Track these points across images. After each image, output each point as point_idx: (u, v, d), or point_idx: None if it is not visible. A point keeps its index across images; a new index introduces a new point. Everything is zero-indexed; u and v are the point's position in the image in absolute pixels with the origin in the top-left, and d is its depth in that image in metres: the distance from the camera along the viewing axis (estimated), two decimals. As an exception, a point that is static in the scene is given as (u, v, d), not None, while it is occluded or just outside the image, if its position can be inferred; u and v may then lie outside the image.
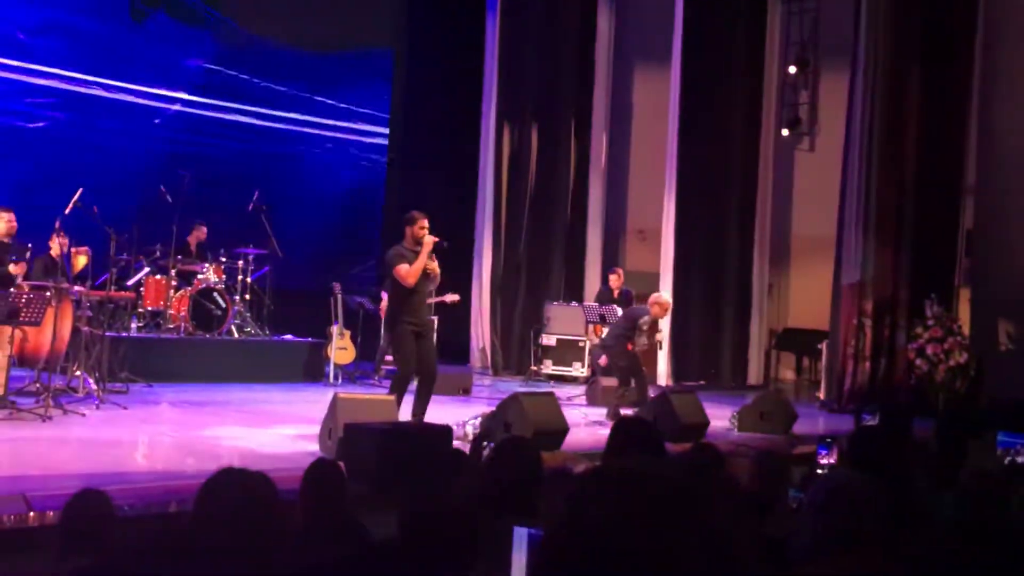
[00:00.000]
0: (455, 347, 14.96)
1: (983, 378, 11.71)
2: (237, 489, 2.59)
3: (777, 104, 15.73)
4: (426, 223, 8.07)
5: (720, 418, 9.96)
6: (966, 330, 11.97)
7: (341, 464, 4.31)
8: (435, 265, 8.08)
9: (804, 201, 16.05)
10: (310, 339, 12.55)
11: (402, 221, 8.23)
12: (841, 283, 12.75)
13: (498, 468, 3.35)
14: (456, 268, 15.28)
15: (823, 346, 13.31)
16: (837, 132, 13.69)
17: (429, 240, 7.99)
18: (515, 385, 12.94)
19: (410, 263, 7.96)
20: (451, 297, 12.85)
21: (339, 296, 12.38)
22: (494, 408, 8.33)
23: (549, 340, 14.11)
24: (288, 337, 12.60)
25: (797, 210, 16.25)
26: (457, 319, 14.78)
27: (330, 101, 15.65)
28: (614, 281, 13.12)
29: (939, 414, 6.16)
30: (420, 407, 8.03)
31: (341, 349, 12.20)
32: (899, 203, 12.47)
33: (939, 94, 12.44)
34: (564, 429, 8.10)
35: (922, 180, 12.38)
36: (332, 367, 11.95)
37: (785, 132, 15.96)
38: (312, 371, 12.22)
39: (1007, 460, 5.06)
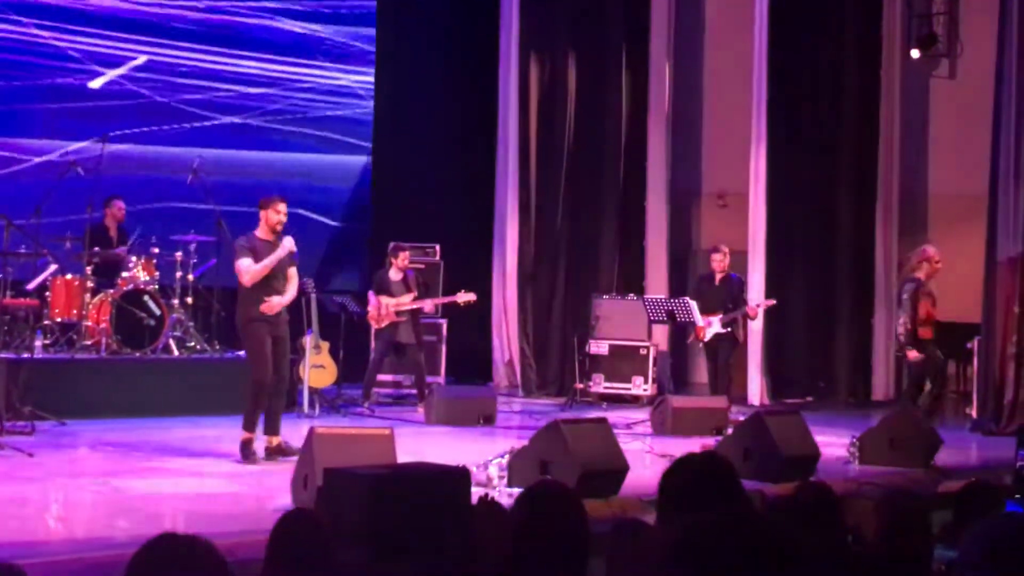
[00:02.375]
0: (472, 362, 14.98)
1: None
2: (181, 562, 2.61)
3: (904, 16, 15.63)
4: (283, 207, 9.27)
5: (835, 447, 9.93)
6: None
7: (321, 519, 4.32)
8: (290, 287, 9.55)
9: (944, 149, 15.93)
10: (276, 355, 12.60)
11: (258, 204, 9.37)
12: (997, 258, 12.67)
13: (528, 526, 3.35)
14: (470, 254, 15.39)
15: (974, 345, 13.22)
16: (987, 52, 13.57)
17: (288, 244, 9.18)
18: (554, 410, 12.94)
19: (256, 258, 9.11)
20: (464, 297, 12.89)
21: (313, 296, 12.43)
22: (526, 442, 8.33)
23: (599, 348, 14.10)
24: (246, 353, 12.64)
25: (935, 161, 16.12)
26: (474, 324, 14.81)
27: (296, 27, 15.69)
28: (718, 262, 12.91)
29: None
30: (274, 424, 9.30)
31: (318, 368, 12.25)
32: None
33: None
34: (623, 468, 8.10)
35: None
36: (307, 392, 12.00)
37: (916, 54, 15.85)
38: (280, 398, 12.27)
39: None
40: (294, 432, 9.28)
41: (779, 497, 5.88)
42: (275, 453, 9.20)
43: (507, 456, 8.22)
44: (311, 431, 7.45)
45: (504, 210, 15.41)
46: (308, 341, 12.13)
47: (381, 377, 13.34)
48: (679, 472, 3.87)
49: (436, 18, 15.90)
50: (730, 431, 10.23)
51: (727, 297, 12.66)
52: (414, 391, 13.09)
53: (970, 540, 2.67)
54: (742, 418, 10.25)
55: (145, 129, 14.91)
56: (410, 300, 12.80)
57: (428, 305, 12.94)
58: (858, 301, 15.11)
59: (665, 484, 3.82)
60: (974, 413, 12.91)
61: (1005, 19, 12.79)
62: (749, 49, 14.77)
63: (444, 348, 14.19)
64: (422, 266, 13.89)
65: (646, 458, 9.81)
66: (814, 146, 15.00)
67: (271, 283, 9.27)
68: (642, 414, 12.25)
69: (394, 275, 13.00)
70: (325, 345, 12.41)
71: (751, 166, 14.65)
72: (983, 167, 13.11)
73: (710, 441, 10.21)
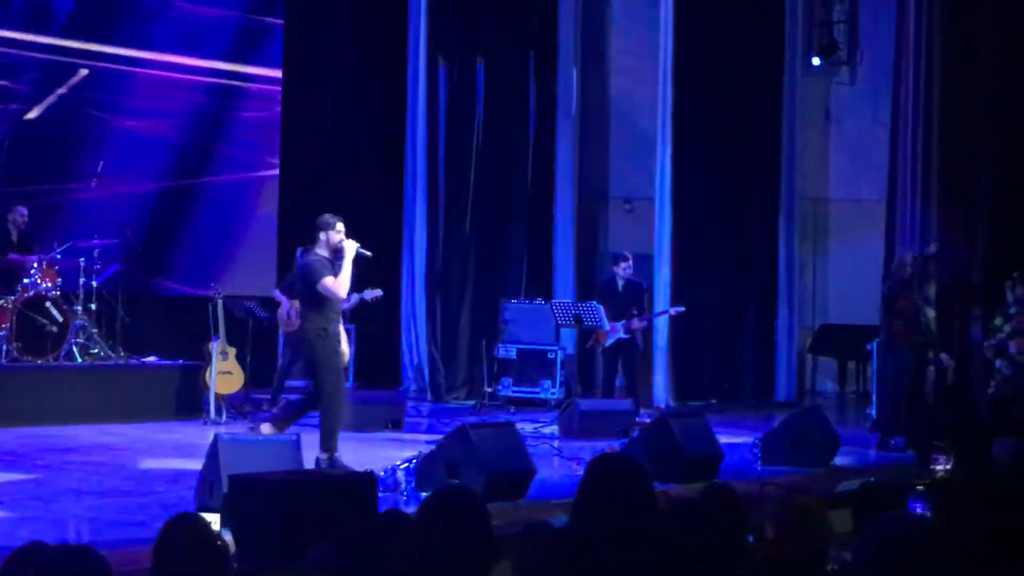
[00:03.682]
0: (380, 365, 14.91)
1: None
2: (54, 572, 2.55)
3: (805, 24, 15.85)
4: (342, 227, 9.10)
5: (738, 448, 10.00)
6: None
7: (215, 521, 4.28)
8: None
9: (844, 154, 16.19)
10: (182, 362, 12.45)
11: (313, 227, 9.20)
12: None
13: (431, 531, 3.33)
14: (379, 259, 15.21)
15: (873, 346, 13.43)
16: (886, 60, 13.81)
17: (351, 246, 8.95)
18: (463, 414, 12.92)
19: (334, 274, 8.95)
20: (372, 293, 12.80)
21: (220, 301, 12.29)
22: (434, 446, 8.30)
23: (507, 352, 14.11)
24: (152, 360, 12.48)
25: (835, 166, 16.39)
26: (382, 327, 14.74)
27: (204, 27, 15.51)
28: (623, 270, 12.87)
29: (1020, 436, 6.27)
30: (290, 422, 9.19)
31: (225, 374, 12.11)
32: (970, 154, 12.59)
33: (1020, 3, 12.57)
34: (530, 471, 8.10)
35: (999, 121, 12.51)
36: (213, 398, 11.87)
37: (817, 61, 16.09)
38: (186, 405, 12.14)
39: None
40: (200, 439, 9.17)
41: (683, 498, 5.92)
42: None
43: (415, 460, 8.18)
44: (216, 437, 7.35)
45: (412, 214, 15.36)
46: (214, 347, 12.00)
47: (290, 383, 13.20)
48: (594, 473, 3.89)
49: (344, 22, 15.80)
50: (636, 433, 10.30)
51: (631, 303, 12.73)
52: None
53: (863, 540, 2.70)
54: (648, 420, 10.31)
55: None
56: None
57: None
58: (761, 304, 15.28)
59: (582, 486, 3.85)
60: (874, 413, 13.10)
61: (903, 28, 13.01)
62: (655, 55, 14.88)
63: (352, 353, 14.08)
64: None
65: (553, 461, 9.82)
66: (719, 151, 15.14)
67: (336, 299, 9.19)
68: (550, 417, 12.27)
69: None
70: (232, 351, 12.27)
71: (657, 171, 14.76)
72: (882, 173, 13.33)
73: (616, 444, 10.26)
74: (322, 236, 9.08)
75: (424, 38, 15.28)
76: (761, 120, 15.24)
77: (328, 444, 8.91)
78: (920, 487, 4.99)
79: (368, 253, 9.24)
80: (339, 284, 8.92)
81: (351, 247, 9.00)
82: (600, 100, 16.35)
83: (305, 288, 9.18)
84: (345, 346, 9.45)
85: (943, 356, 11.58)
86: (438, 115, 15.40)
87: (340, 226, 9.12)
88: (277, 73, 15.70)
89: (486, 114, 15.48)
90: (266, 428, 9.23)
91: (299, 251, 13.24)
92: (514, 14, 15.54)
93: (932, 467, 6.99)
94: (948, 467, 6.75)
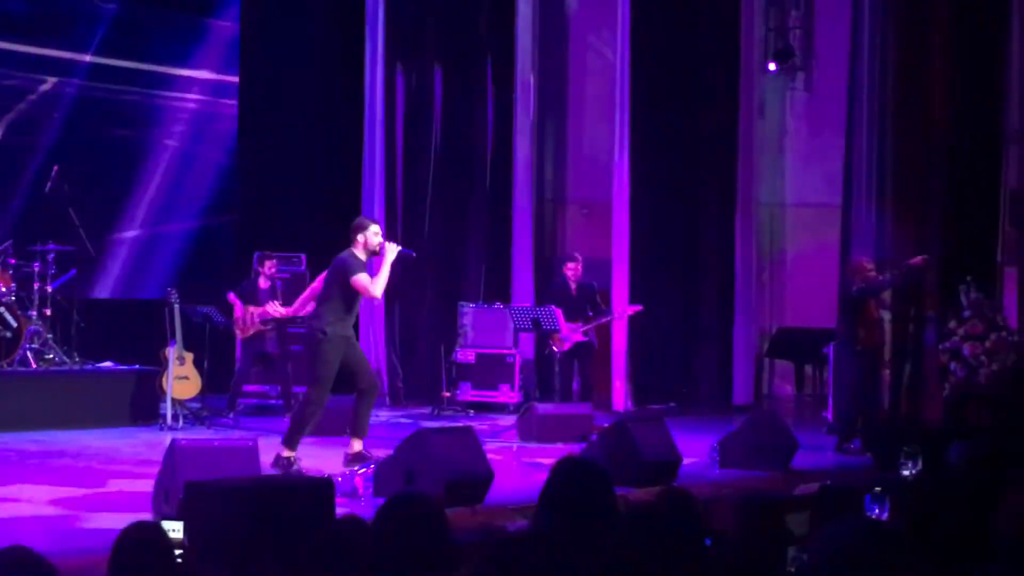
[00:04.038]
0: (340, 372, 14.78)
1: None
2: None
3: (761, 30, 15.92)
4: (377, 228, 9.36)
5: (697, 452, 10.02)
6: (1013, 322, 12.24)
7: (174, 529, 4.24)
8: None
9: (801, 159, 16.27)
10: (138, 367, 12.36)
11: (350, 229, 9.35)
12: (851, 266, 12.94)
13: (388, 537, 3.31)
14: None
15: (830, 350, 13.50)
16: (841, 66, 13.89)
17: (393, 248, 9.18)
18: (422, 419, 12.90)
19: (368, 274, 9.14)
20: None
21: (176, 306, 12.21)
22: (392, 452, 8.27)
23: (466, 356, 14.09)
24: (107, 365, 12.39)
25: (792, 171, 16.46)
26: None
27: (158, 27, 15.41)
28: (572, 270, 13.08)
29: (975, 439, 6.31)
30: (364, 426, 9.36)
31: (182, 379, 12.04)
32: (923, 158, 12.70)
33: (972, 12, 12.69)
34: (489, 476, 8.08)
35: (952, 127, 12.63)
36: (170, 404, 11.80)
37: (772, 67, 16.16)
38: (142, 411, 12.05)
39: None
40: (157, 445, 9.10)
41: (641, 502, 5.92)
42: (355, 460, 9.05)
43: (373, 466, 8.15)
44: (172, 443, 7.31)
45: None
46: (171, 352, 11.93)
47: (247, 388, 13.15)
48: (559, 478, 3.89)
49: (301, 29, 15.73)
50: (594, 437, 10.30)
51: (586, 305, 12.79)
52: (280, 402, 12.94)
53: (818, 544, 2.71)
54: (606, 425, 10.32)
55: None
56: (273, 308, 12.64)
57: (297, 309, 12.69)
58: (719, 308, 15.31)
59: (544, 491, 3.84)
60: (831, 416, 13.16)
61: (857, 34, 13.11)
62: (612, 60, 14.91)
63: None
64: (288, 275, 13.72)
65: (512, 465, 9.81)
66: (676, 156, 15.17)
67: (354, 300, 9.27)
68: (509, 422, 12.26)
69: (262, 283, 12.86)
70: (189, 356, 12.19)
71: (614, 175, 14.78)
72: (838, 177, 13.42)
73: (575, 448, 10.27)
74: (359, 238, 9.19)
75: (382, 44, 15.23)
76: (718, 125, 15.28)
77: (291, 441, 9.03)
78: (878, 489, 5.00)
79: (412, 253, 9.57)
80: (375, 284, 9.11)
81: (392, 250, 9.16)
82: (558, 105, 16.37)
83: (330, 282, 9.24)
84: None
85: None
86: (396, 121, 15.37)
87: (376, 228, 9.32)
88: (234, 78, 15.62)
89: (444, 120, 15.46)
90: (357, 445, 9.32)
91: (256, 255, 13.21)
92: (472, 19, 15.54)
93: (900, 471, 7.01)
94: (916, 471, 6.76)
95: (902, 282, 11.21)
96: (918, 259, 11.17)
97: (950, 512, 3.58)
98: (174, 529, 5.18)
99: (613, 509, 3.84)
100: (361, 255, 9.21)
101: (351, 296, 9.17)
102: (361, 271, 9.10)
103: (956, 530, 3.49)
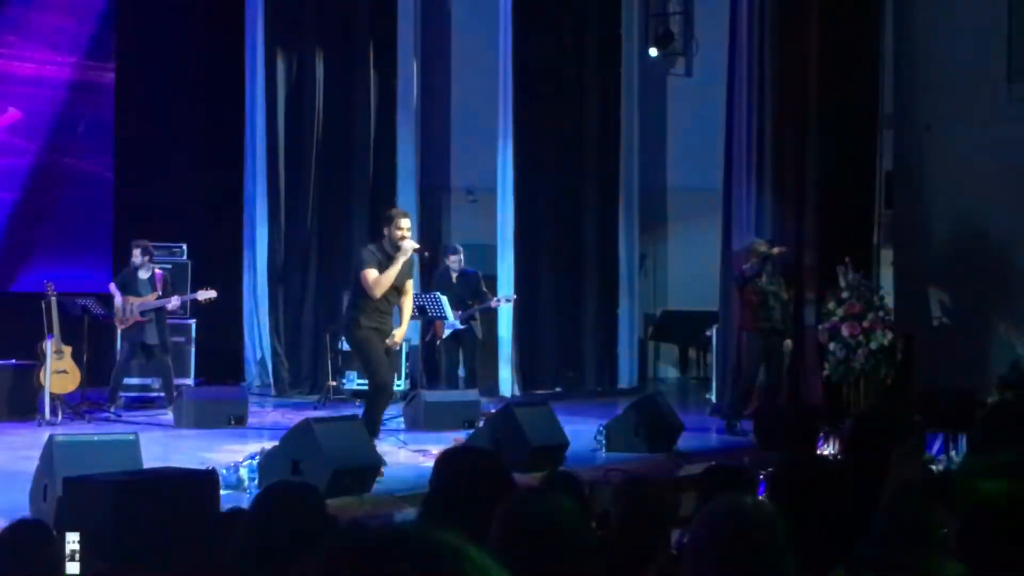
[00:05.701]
0: (224, 362, 14.66)
1: (912, 363, 12.26)
2: None
3: (641, 15, 16.03)
4: (405, 223, 8.98)
5: (583, 436, 10.07)
6: (890, 302, 12.49)
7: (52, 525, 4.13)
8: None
9: (682, 144, 16.43)
10: (15, 361, 12.04)
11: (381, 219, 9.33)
12: (732, 249, 13.11)
13: (265, 526, 3.25)
14: (220, 253, 15.04)
15: (713, 332, 13.66)
16: (720, 51, 14.04)
17: (408, 246, 8.86)
18: (307, 408, 12.78)
19: (382, 268, 8.81)
20: (204, 294, 12.57)
21: (53, 298, 11.93)
22: (278, 442, 8.18)
23: (352, 345, 13.99)
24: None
25: (673, 156, 16.63)
26: (224, 323, 14.48)
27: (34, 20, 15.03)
28: (455, 262, 13.12)
29: (855, 416, 6.42)
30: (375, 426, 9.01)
31: (60, 373, 11.77)
32: (801, 142, 12.89)
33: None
34: (376, 465, 8.04)
35: (830, 111, 12.82)
36: (48, 398, 11.53)
37: (654, 52, 16.28)
38: (19, 406, 11.76)
39: (933, 470, 5.24)
40: (35, 441, 8.88)
41: (527, 486, 5.93)
42: None
43: (258, 457, 8.05)
44: (50, 438, 7.14)
45: (253, 208, 15.13)
46: (48, 346, 11.66)
47: (128, 380, 12.91)
48: (449, 466, 3.85)
49: (178, 14, 15.44)
50: (481, 423, 10.30)
51: (467, 293, 12.83)
52: (162, 394, 12.73)
53: (697, 523, 2.71)
54: (493, 410, 10.33)
55: None
56: (153, 299, 12.44)
57: (173, 303, 12.53)
58: (603, 293, 15.43)
59: (435, 478, 3.80)
60: (714, 398, 13.34)
61: (736, 19, 13.25)
62: (494, 47, 14.90)
63: (193, 349, 13.83)
64: (169, 266, 13.49)
65: (399, 454, 9.76)
66: (559, 142, 15.23)
67: (385, 294, 8.94)
68: (395, 409, 12.20)
69: (142, 273, 12.61)
70: (68, 349, 11.92)
71: (498, 162, 14.79)
72: (719, 162, 13.56)
73: (462, 435, 10.26)
74: (385, 230, 9.03)
75: (261, 30, 15.04)
76: (600, 111, 15.37)
77: (374, 432, 8.94)
78: (761, 472, 5.06)
79: (426, 253, 9.57)
80: (378, 281, 8.81)
81: (407, 247, 8.88)
82: (441, 91, 16.32)
83: (353, 275, 9.26)
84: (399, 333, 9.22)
85: (787, 342, 11.83)
86: (277, 108, 15.18)
87: (403, 222, 8.96)
88: (110, 67, 15.29)
89: (326, 107, 15.31)
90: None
91: (132, 244, 12.95)
92: (352, 5, 15.39)
93: (818, 450, 7.10)
94: (835, 449, 6.84)
95: (760, 269, 11.37)
96: (775, 249, 11.42)
97: (831, 492, 3.62)
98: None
99: (507, 496, 3.82)
100: (388, 248, 8.94)
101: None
102: (369, 265, 8.85)
103: (837, 509, 3.53)
